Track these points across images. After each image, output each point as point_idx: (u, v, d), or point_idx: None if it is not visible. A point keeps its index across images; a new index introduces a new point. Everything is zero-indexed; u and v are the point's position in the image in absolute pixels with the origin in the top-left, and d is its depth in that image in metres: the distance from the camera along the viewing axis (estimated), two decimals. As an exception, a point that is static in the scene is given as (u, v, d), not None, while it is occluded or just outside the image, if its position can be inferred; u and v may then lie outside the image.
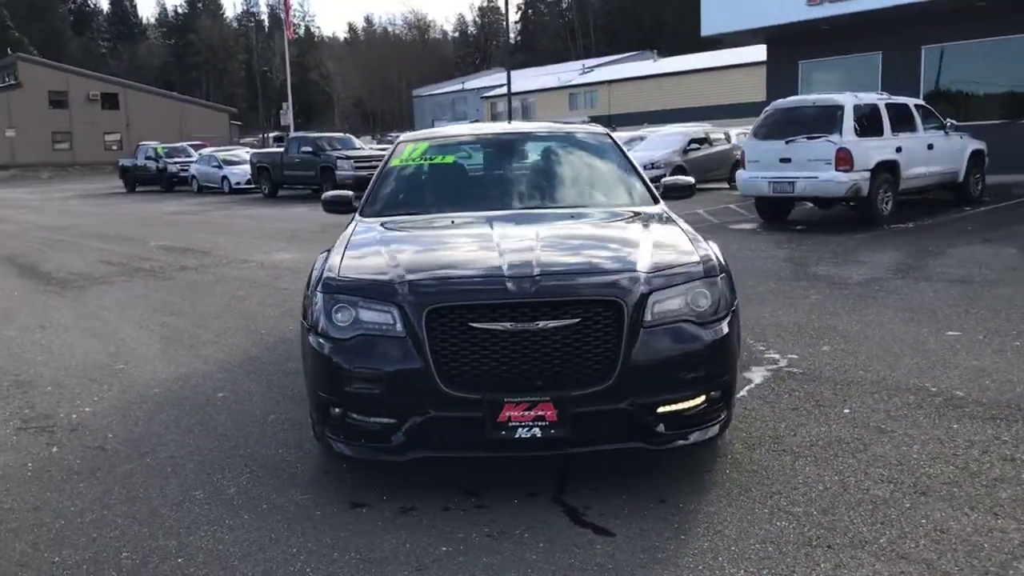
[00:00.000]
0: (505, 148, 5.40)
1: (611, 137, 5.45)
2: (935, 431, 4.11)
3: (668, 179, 5.27)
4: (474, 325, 3.35)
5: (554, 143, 5.43)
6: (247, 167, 27.40)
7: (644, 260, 3.67)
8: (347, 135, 28.01)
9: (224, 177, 28.41)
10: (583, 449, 3.47)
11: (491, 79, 72.98)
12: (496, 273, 3.53)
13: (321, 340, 3.58)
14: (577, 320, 3.37)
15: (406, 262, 3.75)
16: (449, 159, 5.31)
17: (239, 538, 3.27)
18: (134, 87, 63.00)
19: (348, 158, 23.16)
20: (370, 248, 4.07)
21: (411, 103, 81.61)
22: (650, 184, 5.04)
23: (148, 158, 32.59)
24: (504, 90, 66.10)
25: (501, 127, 5.88)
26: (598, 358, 3.37)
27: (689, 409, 3.54)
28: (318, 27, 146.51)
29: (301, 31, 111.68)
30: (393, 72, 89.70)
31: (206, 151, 31.38)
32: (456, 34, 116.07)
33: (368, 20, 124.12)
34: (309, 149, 24.36)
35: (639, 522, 3.27)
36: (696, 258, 3.79)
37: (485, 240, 4.01)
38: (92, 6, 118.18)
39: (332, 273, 3.76)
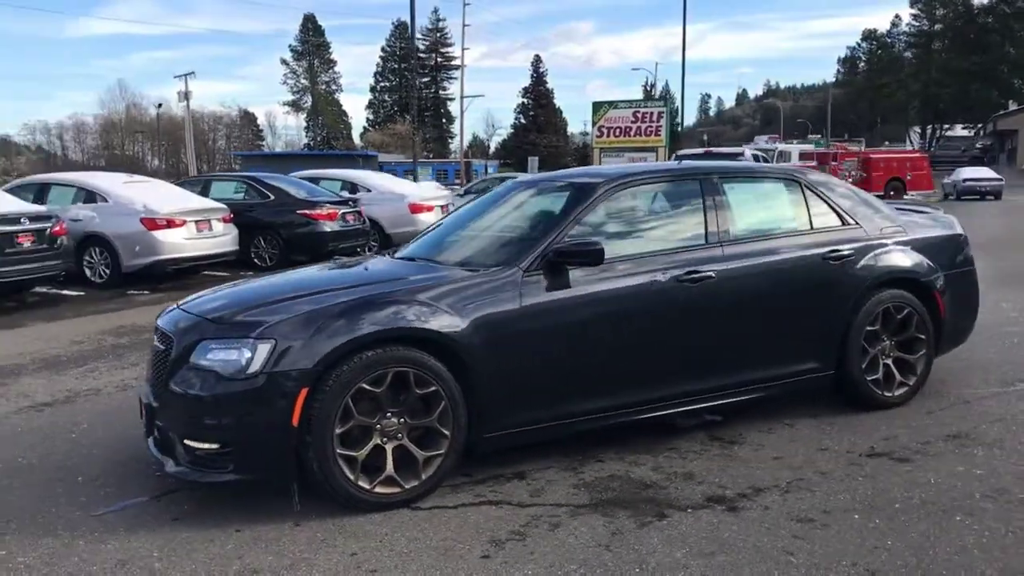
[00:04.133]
0: (499, 197, 5.38)
1: (591, 188, 4.70)
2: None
3: (561, 244, 4.31)
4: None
5: (538, 193, 5.18)
6: None
7: (247, 316, 4.03)
8: None
9: None
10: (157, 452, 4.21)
11: None
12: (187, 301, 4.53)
13: None
14: (165, 348, 4.18)
15: None
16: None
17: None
18: None
19: None
20: None
21: None
22: (547, 247, 4.36)
23: None
24: None
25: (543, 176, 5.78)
26: (160, 382, 4.10)
27: (202, 450, 3.87)
28: None
29: None
30: None
31: None
32: None
33: None
34: None
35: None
36: (274, 319, 3.89)
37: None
38: None
39: None
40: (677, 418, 4.91)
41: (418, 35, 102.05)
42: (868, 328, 5.13)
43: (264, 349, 3.78)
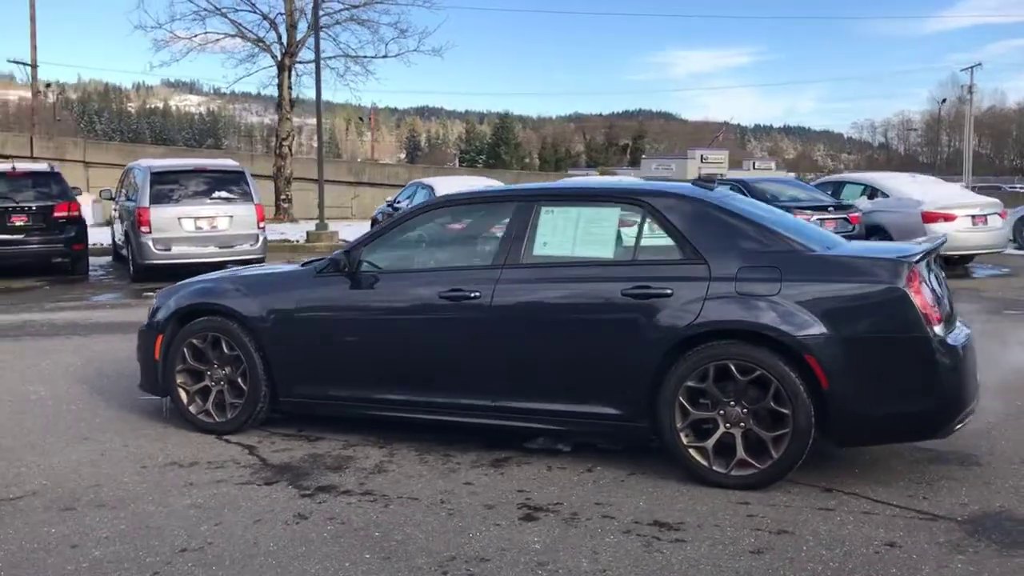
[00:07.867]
0: None
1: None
2: None
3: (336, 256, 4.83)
4: None
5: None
6: None
7: (173, 285, 5.90)
8: None
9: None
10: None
11: None
12: None
13: None
14: None
15: None
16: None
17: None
18: None
19: None
20: None
21: None
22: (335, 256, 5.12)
23: None
24: None
25: None
26: None
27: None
28: None
29: None
30: None
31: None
32: None
33: None
34: None
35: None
36: (166, 288, 5.71)
37: None
38: None
39: None
40: (536, 440, 4.95)
41: None
42: (690, 384, 4.21)
43: (152, 303, 5.69)
